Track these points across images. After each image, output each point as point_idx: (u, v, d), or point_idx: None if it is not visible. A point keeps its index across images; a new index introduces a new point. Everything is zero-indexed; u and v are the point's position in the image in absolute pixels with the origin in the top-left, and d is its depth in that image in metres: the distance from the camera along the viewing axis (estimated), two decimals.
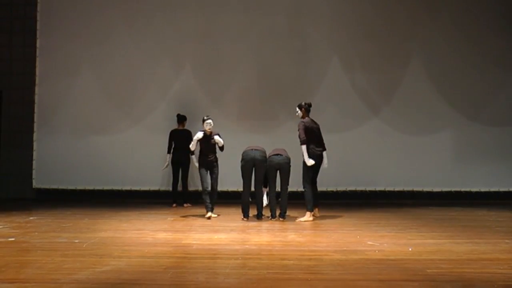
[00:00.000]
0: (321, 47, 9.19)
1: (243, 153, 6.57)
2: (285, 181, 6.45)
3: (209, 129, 6.70)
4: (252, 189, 6.60)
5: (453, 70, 9.20)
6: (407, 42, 9.22)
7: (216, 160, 6.84)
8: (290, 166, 6.48)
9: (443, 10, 9.31)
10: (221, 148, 6.80)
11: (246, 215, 6.43)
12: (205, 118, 6.76)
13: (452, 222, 6.20)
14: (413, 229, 5.55)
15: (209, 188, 6.72)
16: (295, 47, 9.18)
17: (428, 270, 3.52)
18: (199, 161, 6.81)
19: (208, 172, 6.78)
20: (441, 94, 9.16)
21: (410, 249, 4.27)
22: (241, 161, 6.52)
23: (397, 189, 9.00)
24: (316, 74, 9.17)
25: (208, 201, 6.69)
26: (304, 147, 6.45)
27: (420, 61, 9.21)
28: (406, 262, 3.77)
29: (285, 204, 6.44)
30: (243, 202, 6.47)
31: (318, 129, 6.89)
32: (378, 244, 4.52)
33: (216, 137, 6.69)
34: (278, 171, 6.45)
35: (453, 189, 9.00)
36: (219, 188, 7.88)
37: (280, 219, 6.36)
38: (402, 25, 9.26)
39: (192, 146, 6.79)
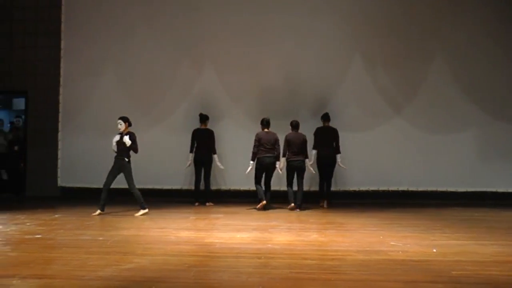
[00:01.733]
0: (342, 44, 9.11)
1: (258, 158, 7.64)
2: (301, 180, 7.71)
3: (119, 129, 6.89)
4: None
5: (477, 68, 9.03)
6: (430, 39, 9.07)
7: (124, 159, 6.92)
8: (305, 167, 7.75)
9: (467, 6, 9.14)
10: (132, 149, 6.96)
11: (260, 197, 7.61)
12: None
13: (477, 223, 6.09)
14: (436, 230, 5.47)
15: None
16: (316, 45, 9.12)
17: (453, 272, 3.46)
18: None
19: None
20: (464, 92, 8.99)
21: (434, 250, 4.21)
22: (257, 164, 7.67)
23: (420, 189, 8.88)
24: (337, 72, 9.10)
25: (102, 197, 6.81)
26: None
27: (444, 58, 9.06)
28: (430, 264, 3.72)
29: (300, 198, 7.60)
30: (258, 191, 7.69)
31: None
32: (401, 244, 4.47)
33: (125, 137, 6.86)
34: (295, 172, 7.68)
35: (478, 189, 8.83)
36: (242, 187, 8.07)
37: (297, 210, 7.46)
38: (425, 21, 9.11)
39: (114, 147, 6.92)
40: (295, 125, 7.87)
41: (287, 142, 7.73)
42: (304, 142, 7.76)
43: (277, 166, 7.74)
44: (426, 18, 9.12)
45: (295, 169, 7.68)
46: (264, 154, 7.64)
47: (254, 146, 7.68)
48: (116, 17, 9.50)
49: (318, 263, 3.74)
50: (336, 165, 8.15)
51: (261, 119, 7.98)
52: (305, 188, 8.24)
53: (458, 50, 9.06)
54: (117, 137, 6.85)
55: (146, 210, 6.80)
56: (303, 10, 9.18)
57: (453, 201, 8.61)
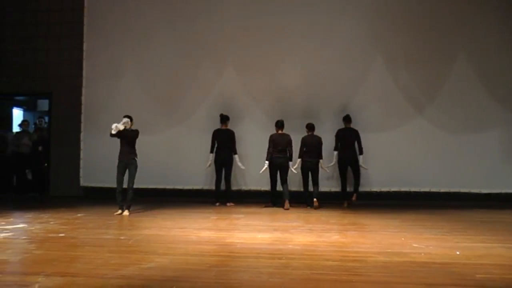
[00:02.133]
0: (363, 44, 9.04)
1: (271, 158, 7.97)
2: (316, 180, 8.06)
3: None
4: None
5: (501, 66, 8.86)
6: (452, 37, 8.93)
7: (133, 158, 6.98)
8: (319, 167, 8.10)
9: (489, 4, 8.97)
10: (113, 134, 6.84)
11: (273, 203, 8.08)
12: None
13: (502, 225, 5.96)
14: (460, 232, 5.36)
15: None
16: (336, 45, 9.07)
17: (477, 275, 3.39)
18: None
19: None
20: (488, 92, 8.82)
21: (457, 253, 4.13)
22: (270, 165, 7.98)
23: (442, 190, 8.75)
24: (358, 72, 9.03)
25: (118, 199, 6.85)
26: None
27: (467, 57, 8.90)
28: (453, 266, 3.65)
29: (317, 196, 7.90)
30: (272, 194, 8.17)
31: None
32: (423, 246, 4.40)
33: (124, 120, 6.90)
34: (309, 172, 8.06)
35: (502, 191, 8.66)
36: (263, 187, 8.06)
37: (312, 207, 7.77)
38: (447, 19, 8.98)
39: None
40: (310, 127, 8.18)
41: (303, 143, 8.10)
42: (319, 144, 8.09)
43: (290, 166, 8.01)
44: (447, 17, 8.98)
45: (310, 170, 8.06)
46: (276, 154, 7.97)
47: (268, 147, 8.01)
48: (137, 19, 9.61)
49: (339, 264, 3.71)
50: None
51: (279, 120, 8.21)
52: (327, 189, 8.41)
53: (481, 48, 8.89)
54: (121, 127, 6.83)
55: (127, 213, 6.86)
56: (324, 10, 9.14)
57: (476, 202, 8.44)
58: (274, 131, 8.19)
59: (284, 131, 8.15)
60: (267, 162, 8.00)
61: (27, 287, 2.96)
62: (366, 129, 8.58)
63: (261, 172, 8.03)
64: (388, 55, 9.02)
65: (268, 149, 8.01)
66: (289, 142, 8.04)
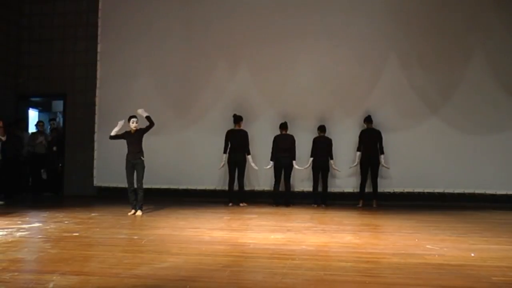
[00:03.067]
0: (377, 44, 8.98)
1: (275, 158, 8.27)
2: (325, 179, 8.34)
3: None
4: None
5: None
6: (468, 35, 8.80)
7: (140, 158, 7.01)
8: (329, 166, 8.41)
9: (506, 3, 8.83)
10: (150, 121, 7.03)
11: (276, 202, 8.19)
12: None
13: None
14: (475, 233, 5.29)
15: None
16: (351, 45, 9.03)
17: (494, 278, 3.33)
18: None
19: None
20: (505, 91, 8.68)
21: (472, 255, 4.08)
22: (274, 164, 8.29)
23: (457, 191, 8.65)
24: (372, 72, 8.98)
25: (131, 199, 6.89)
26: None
27: (483, 56, 8.77)
28: (468, 268, 3.60)
29: (326, 195, 8.36)
30: (274, 192, 8.32)
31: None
32: (438, 248, 4.35)
33: (139, 111, 7.05)
34: (320, 172, 8.33)
35: None
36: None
37: (322, 205, 8.19)
38: (462, 17, 8.85)
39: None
40: (321, 129, 8.47)
41: (314, 144, 8.39)
42: (329, 144, 8.37)
43: (294, 165, 8.29)
44: (463, 14, 8.85)
45: (320, 169, 8.31)
46: (280, 154, 8.21)
47: (272, 147, 8.32)
48: (151, 21, 9.66)
49: (352, 265, 3.68)
50: (380, 166, 8.39)
51: (292, 120, 8.54)
52: (339, 189, 8.71)
53: (497, 46, 8.75)
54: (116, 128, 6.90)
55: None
56: (338, 10, 9.11)
57: (492, 204, 8.35)
58: (288, 132, 8.41)
59: (296, 132, 8.44)
60: (271, 162, 8.30)
61: (43, 285, 2.99)
62: (380, 129, 8.54)
63: (266, 168, 8.41)
64: (401, 54, 8.94)
65: (272, 149, 8.28)
66: (292, 143, 8.29)
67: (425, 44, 8.88)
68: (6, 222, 5.79)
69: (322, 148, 8.34)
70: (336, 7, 9.11)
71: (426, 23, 8.89)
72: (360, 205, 8.28)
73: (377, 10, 9.03)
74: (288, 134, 8.38)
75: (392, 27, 8.97)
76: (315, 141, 8.43)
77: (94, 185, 9.70)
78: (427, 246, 4.44)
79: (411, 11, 8.97)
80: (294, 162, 8.30)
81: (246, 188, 8.66)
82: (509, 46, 8.73)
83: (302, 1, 9.21)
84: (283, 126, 8.41)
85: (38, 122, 10.66)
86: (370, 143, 8.34)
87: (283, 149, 8.23)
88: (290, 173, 8.34)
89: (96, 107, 9.79)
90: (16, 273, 3.32)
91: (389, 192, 8.75)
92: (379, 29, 8.99)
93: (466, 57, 8.80)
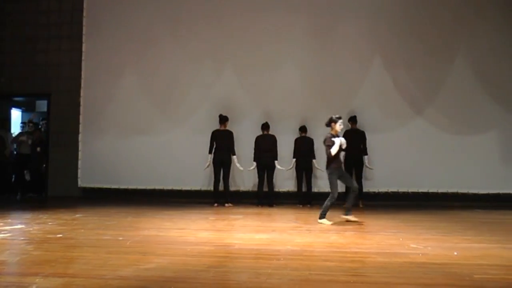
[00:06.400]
0: (362, 45, 9.07)
1: (257, 158, 8.35)
2: (309, 179, 8.51)
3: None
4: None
5: (501, 67, 8.90)
6: (451, 38, 8.97)
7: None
8: (312, 167, 8.49)
9: (489, 5, 8.99)
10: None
11: (260, 202, 8.27)
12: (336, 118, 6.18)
13: (501, 226, 5.97)
14: (458, 233, 5.36)
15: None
16: (337, 46, 9.09)
17: (475, 276, 3.38)
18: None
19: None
20: (488, 93, 8.84)
21: (455, 254, 4.13)
22: (257, 165, 8.37)
23: (440, 191, 8.77)
24: (358, 73, 9.06)
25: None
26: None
27: (466, 58, 8.93)
28: (451, 267, 3.65)
29: (310, 195, 8.47)
30: (258, 193, 8.41)
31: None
32: (421, 247, 4.40)
33: None
34: (304, 172, 8.46)
35: (501, 192, 8.69)
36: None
37: (308, 205, 8.30)
38: (446, 21, 9.02)
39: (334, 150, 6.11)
40: (303, 129, 8.59)
41: (296, 144, 8.51)
42: (311, 144, 8.46)
43: (276, 165, 8.37)
44: (447, 17, 9.01)
45: (303, 169, 8.42)
46: (262, 154, 8.34)
47: (255, 148, 8.43)
48: (136, 20, 9.62)
49: (337, 265, 3.70)
50: (364, 166, 8.43)
51: (278, 120, 8.68)
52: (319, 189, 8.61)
53: (479, 48, 8.93)
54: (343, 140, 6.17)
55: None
56: (324, 11, 9.17)
57: (475, 203, 8.48)
58: (273, 132, 8.48)
59: (282, 132, 8.56)
60: (254, 162, 8.37)
61: None
62: (365, 129, 8.62)
63: (249, 169, 8.48)
64: (386, 56, 9.05)
65: (255, 150, 8.36)
66: (274, 143, 8.38)
67: (410, 45, 8.99)
68: None
69: (304, 148, 8.44)
70: (322, 8, 9.17)
71: (411, 25, 9.00)
72: (361, 205, 8.20)
73: (362, 11, 9.11)
74: (270, 134, 8.46)
75: (377, 28, 9.06)
76: (297, 141, 8.54)
77: (79, 186, 9.61)
78: (411, 245, 4.48)
79: (396, 12, 9.06)
80: (276, 162, 8.37)
81: (231, 188, 8.66)
82: (492, 48, 8.88)
83: (288, 2, 9.24)
84: (265, 126, 8.50)
85: (23, 122, 10.50)
86: (353, 143, 8.23)
87: (264, 150, 8.31)
88: (272, 174, 8.42)
89: (81, 107, 9.69)
90: None
91: (374, 192, 8.82)
92: (364, 30, 9.08)
93: (449, 59, 8.93)
